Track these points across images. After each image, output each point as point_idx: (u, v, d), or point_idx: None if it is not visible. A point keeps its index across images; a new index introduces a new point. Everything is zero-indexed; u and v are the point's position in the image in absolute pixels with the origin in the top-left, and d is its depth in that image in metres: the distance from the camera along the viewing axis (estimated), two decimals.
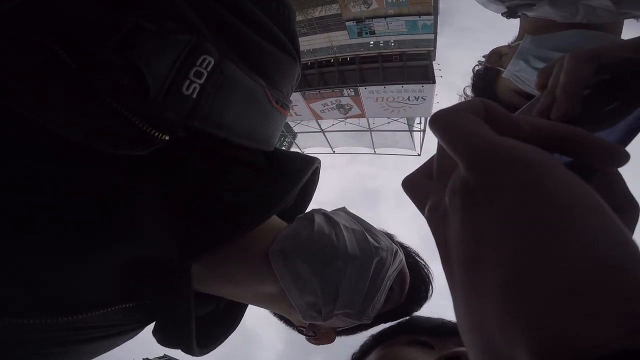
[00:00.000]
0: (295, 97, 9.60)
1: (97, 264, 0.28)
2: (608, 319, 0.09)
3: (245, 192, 0.32)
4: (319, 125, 10.53)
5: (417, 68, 8.37)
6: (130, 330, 0.34)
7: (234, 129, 0.30)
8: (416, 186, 0.19)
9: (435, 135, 0.16)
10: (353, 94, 9.13)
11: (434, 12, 6.71)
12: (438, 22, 7.06)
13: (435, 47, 7.82)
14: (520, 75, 0.57)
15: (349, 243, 0.33)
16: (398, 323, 0.44)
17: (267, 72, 0.32)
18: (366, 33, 7.84)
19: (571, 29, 0.55)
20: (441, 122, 0.16)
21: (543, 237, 0.11)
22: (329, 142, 11.17)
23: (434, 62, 8.23)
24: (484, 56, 0.69)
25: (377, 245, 0.35)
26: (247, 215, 0.31)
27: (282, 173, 0.35)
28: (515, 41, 0.63)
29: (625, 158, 0.15)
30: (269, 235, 0.34)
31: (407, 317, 0.44)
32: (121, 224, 0.27)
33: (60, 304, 0.27)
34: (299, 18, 7.28)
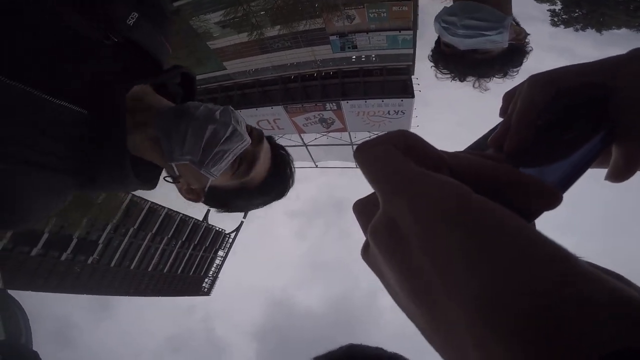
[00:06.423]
0: (278, 111, 9.67)
1: (69, 71, 0.47)
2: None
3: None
4: (302, 139, 10.63)
5: (397, 82, 8.72)
6: (63, 182, 0.47)
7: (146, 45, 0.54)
8: (362, 213, 0.18)
9: (359, 166, 0.16)
10: (335, 107, 9.32)
11: (413, 26, 7.10)
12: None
13: (414, 61, 8.20)
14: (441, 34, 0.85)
15: (199, 113, 0.51)
16: (337, 355, 0.46)
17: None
18: (349, 47, 8.13)
19: (458, 1, 0.74)
20: (363, 154, 0.16)
21: (489, 263, 0.11)
22: (311, 156, 11.26)
23: (412, 77, 8.59)
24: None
25: (217, 118, 0.51)
26: (146, 77, 0.53)
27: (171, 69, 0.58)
28: None
29: (555, 201, 0.14)
30: (164, 102, 0.56)
31: (345, 348, 0.46)
32: (89, 56, 0.49)
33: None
34: (284, 32, 7.45)
